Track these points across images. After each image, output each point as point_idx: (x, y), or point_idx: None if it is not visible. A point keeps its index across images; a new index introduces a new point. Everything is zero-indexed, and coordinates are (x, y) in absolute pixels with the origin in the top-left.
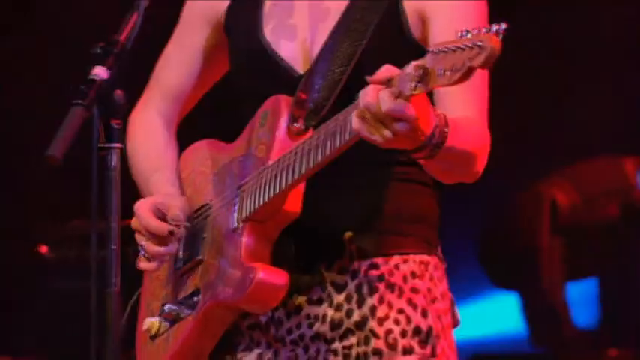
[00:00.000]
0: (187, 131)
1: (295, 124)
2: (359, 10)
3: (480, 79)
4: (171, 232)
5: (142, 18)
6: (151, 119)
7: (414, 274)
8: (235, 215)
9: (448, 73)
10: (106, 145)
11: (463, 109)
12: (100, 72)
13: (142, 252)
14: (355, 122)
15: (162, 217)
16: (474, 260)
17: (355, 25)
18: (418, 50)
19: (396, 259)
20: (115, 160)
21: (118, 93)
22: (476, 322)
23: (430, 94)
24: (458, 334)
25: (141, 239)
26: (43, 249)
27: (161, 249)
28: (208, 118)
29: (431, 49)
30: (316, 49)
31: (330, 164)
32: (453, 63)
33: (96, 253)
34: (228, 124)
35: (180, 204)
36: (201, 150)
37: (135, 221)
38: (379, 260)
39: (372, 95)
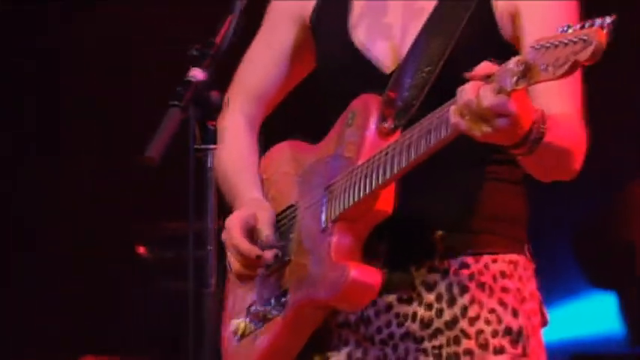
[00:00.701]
0: (269, 130)
1: (384, 124)
2: (448, 9)
3: (575, 75)
4: (258, 257)
5: (237, 20)
6: (234, 121)
7: (503, 274)
8: (324, 215)
9: (551, 68)
10: (203, 146)
11: (559, 106)
12: (196, 74)
13: (229, 267)
14: (454, 118)
15: (252, 233)
16: (570, 259)
17: (444, 24)
18: (507, 49)
19: (485, 258)
20: (211, 161)
21: (214, 94)
22: (574, 322)
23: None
24: (556, 334)
25: (230, 255)
26: (141, 250)
27: (245, 271)
28: (290, 116)
29: (532, 45)
30: (405, 48)
31: (420, 163)
32: (557, 58)
33: (193, 254)
34: (310, 122)
35: (267, 215)
36: (285, 151)
37: (225, 235)
38: (469, 260)
39: (472, 91)
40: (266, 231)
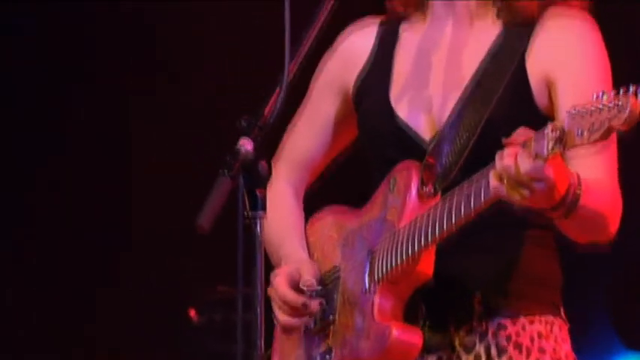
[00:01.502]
0: (313, 194)
1: (425, 188)
2: (486, 78)
3: (610, 140)
4: (304, 305)
5: (285, 92)
6: (280, 190)
7: (540, 335)
8: (367, 277)
9: (586, 133)
10: (251, 213)
11: (594, 171)
12: (245, 144)
13: (276, 321)
14: (493, 183)
15: (297, 286)
16: (604, 321)
17: (481, 93)
18: (541, 118)
19: (522, 320)
20: (259, 228)
21: (262, 164)
22: None
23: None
24: None
25: (275, 308)
26: (192, 312)
27: (293, 320)
28: (333, 182)
29: (568, 110)
30: (444, 116)
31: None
32: (592, 123)
33: (241, 317)
34: (352, 188)
35: (311, 269)
36: (328, 217)
37: (271, 290)
38: (507, 322)
39: (510, 157)
40: (307, 276)
